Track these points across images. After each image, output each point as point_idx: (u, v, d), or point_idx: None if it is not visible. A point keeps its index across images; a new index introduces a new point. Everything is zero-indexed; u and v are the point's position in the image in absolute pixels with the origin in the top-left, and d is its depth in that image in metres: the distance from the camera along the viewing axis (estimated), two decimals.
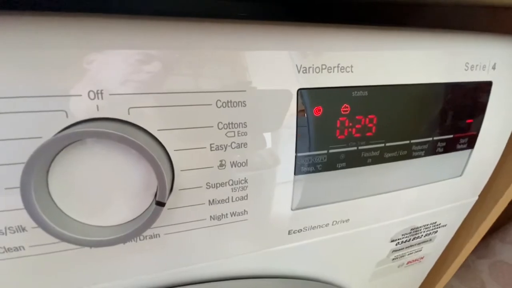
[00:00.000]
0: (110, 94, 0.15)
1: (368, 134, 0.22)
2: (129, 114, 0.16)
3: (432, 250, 0.36)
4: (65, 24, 0.14)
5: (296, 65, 0.18)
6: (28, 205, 0.14)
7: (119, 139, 0.14)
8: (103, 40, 0.15)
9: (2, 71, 0.14)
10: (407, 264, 0.36)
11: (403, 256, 0.34)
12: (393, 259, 0.33)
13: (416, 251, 0.35)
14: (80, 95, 0.15)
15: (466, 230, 0.37)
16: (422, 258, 0.37)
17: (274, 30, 0.18)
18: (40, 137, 0.15)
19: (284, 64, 0.18)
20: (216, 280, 0.24)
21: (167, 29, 0.16)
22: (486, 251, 0.49)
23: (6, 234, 0.16)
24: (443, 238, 0.36)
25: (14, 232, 0.16)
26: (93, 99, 0.15)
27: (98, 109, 0.15)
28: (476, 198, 0.33)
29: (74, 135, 0.13)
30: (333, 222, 0.24)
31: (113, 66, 0.15)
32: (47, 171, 0.15)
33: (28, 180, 0.13)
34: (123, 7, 0.28)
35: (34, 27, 0.14)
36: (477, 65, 0.24)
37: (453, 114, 0.24)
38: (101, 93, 0.15)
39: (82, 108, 0.15)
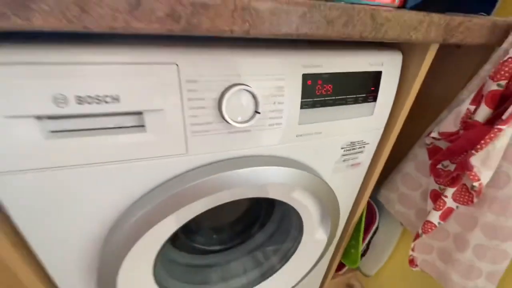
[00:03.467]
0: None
1: (329, 93, 0.53)
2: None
3: (364, 160, 0.70)
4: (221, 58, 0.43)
5: (302, 65, 0.48)
6: (226, 114, 0.43)
7: (252, 93, 0.43)
8: (250, 57, 0.44)
9: (210, 69, 0.42)
10: (351, 166, 0.69)
11: (348, 160, 0.67)
12: (343, 160, 0.66)
13: (355, 158, 0.68)
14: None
15: (380, 149, 0.70)
16: (359, 163, 0.70)
17: (295, 53, 0.48)
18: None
19: (297, 65, 0.48)
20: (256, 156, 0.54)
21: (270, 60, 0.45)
22: (399, 168, 0.84)
23: (201, 125, 0.45)
24: (369, 152, 0.69)
25: (205, 124, 0.45)
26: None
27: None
28: (383, 129, 0.66)
29: (241, 87, 0.43)
30: (314, 133, 0.56)
31: (254, 69, 0.44)
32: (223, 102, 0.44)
33: (222, 102, 0.43)
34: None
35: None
36: (375, 63, 0.55)
37: (365, 84, 0.56)
38: (239, 75, 0.44)
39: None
